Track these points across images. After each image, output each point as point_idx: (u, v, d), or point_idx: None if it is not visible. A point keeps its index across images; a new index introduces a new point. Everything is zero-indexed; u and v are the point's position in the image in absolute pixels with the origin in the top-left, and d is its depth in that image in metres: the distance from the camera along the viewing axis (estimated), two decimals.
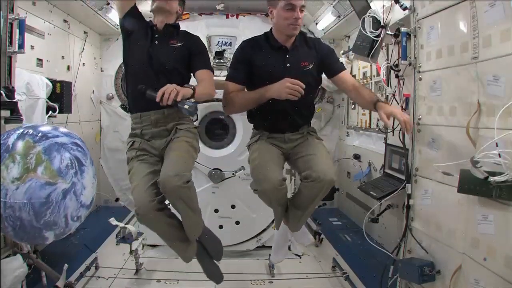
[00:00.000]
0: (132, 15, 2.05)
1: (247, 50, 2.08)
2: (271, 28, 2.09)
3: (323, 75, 2.19)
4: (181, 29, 2.16)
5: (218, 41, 4.24)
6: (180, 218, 1.96)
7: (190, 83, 2.03)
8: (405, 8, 2.12)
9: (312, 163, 1.94)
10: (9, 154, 1.66)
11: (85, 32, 3.79)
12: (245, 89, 2.12)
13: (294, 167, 2.20)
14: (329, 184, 1.89)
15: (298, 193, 2.04)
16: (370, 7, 2.35)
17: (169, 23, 2.08)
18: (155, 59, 1.98)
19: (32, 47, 2.72)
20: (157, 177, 1.84)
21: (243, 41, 2.15)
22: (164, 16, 2.05)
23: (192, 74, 2.14)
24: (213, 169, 3.07)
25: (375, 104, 1.97)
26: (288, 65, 2.01)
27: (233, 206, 3.15)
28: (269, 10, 2.04)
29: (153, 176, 1.88)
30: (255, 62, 2.04)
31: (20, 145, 1.68)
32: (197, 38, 2.16)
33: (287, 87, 1.84)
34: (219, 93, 3.05)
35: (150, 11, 2.09)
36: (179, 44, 2.05)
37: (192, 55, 2.07)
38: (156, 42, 2.03)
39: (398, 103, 2.38)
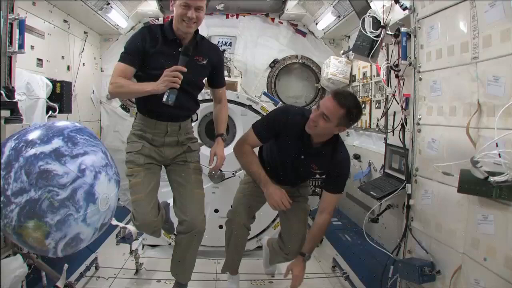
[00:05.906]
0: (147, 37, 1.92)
1: (281, 125, 2.04)
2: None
3: None
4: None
5: (218, 41, 4.26)
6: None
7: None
8: (405, 8, 2.12)
9: (288, 241, 2.30)
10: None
11: (85, 32, 3.79)
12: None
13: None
14: (293, 257, 2.23)
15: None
16: (370, 7, 2.35)
17: (192, 32, 1.94)
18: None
19: (32, 47, 2.71)
20: (157, 190, 2.04)
21: (286, 111, 2.08)
22: (191, 26, 1.87)
23: (208, 83, 2.19)
24: None
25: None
26: (303, 157, 2.06)
27: None
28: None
29: (155, 189, 2.04)
30: (280, 137, 2.07)
31: None
32: (218, 50, 2.18)
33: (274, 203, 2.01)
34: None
35: (176, 19, 1.87)
36: (204, 62, 2.01)
37: (213, 70, 2.10)
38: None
39: (398, 103, 2.38)
